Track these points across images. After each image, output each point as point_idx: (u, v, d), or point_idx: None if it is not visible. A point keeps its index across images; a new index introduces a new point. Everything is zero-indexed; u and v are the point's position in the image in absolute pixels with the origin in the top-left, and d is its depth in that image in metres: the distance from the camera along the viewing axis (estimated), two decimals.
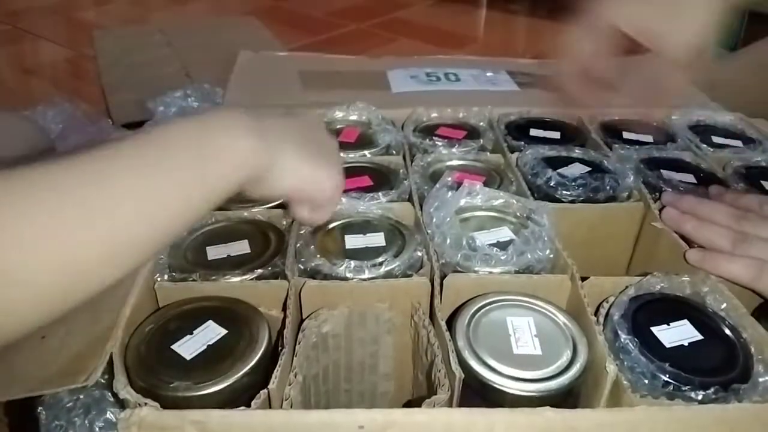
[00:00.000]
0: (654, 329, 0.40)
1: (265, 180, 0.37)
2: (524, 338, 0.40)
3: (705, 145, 0.66)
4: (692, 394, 0.35)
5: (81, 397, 0.37)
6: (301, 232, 0.49)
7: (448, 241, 0.47)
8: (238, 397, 0.36)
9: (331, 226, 0.51)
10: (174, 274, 0.45)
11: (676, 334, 0.39)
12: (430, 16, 1.62)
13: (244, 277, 0.45)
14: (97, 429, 0.36)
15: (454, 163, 0.61)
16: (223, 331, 0.40)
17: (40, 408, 0.38)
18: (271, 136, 0.37)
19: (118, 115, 1.01)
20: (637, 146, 0.64)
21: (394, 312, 0.45)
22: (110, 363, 0.36)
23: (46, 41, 1.37)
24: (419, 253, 0.47)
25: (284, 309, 0.42)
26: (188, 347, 0.38)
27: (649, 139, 0.67)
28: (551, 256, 0.46)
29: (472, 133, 0.67)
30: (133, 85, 1.00)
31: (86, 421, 0.37)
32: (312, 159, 0.40)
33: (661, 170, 0.59)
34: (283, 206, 0.53)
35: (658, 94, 0.54)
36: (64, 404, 0.37)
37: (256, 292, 0.43)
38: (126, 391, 0.35)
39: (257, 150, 0.35)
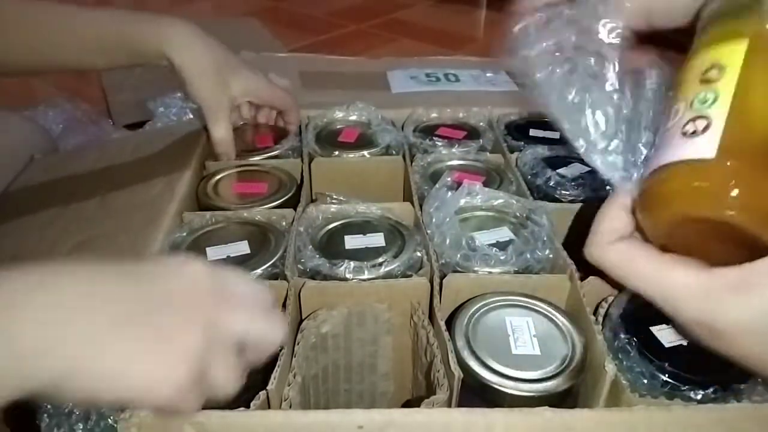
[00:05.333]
0: (653, 329, 0.40)
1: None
2: (523, 338, 0.40)
3: None
4: (691, 394, 0.35)
5: None
6: (300, 229, 0.49)
7: (448, 241, 0.47)
8: (237, 398, 0.36)
9: (331, 226, 0.51)
10: None
11: (676, 333, 0.39)
12: (430, 16, 1.62)
13: None
14: None
15: (454, 163, 0.61)
16: None
17: (45, 415, 0.38)
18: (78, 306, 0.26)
19: (119, 115, 1.01)
20: None
21: (393, 312, 0.45)
22: None
23: None
24: (419, 254, 0.47)
25: (284, 309, 0.42)
26: None
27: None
28: (551, 256, 0.46)
29: (472, 133, 0.67)
30: (134, 86, 1.00)
31: (87, 426, 0.38)
32: (138, 345, 0.27)
33: None
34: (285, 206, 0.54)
35: None
36: (64, 410, 0.37)
37: None
38: None
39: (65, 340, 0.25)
